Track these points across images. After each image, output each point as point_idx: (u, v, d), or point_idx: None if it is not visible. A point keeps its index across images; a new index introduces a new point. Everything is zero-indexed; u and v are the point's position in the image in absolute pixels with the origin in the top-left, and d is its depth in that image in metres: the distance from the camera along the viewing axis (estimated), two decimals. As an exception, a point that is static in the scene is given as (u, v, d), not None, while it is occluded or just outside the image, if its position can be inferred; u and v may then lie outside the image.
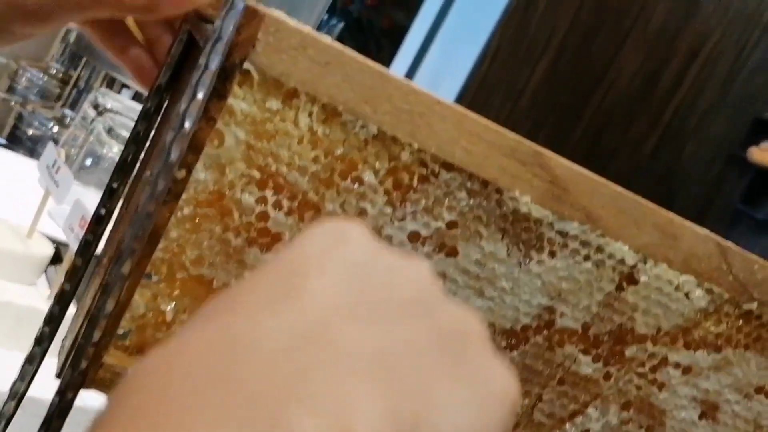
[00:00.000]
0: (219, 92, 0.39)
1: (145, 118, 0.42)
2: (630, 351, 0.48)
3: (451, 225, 0.44)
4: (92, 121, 0.99)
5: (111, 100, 1.03)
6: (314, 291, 0.25)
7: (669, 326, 0.48)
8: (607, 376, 0.48)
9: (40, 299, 0.75)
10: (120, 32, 0.44)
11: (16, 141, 1.38)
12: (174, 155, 0.35)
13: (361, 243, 0.28)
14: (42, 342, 0.43)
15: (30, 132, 1.31)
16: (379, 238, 0.30)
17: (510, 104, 3.28)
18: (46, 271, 0.81)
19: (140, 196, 0.37)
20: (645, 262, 0.46)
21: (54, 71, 1.48)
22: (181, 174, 0.39)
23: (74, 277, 0.43)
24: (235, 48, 0.38)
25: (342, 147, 0.41)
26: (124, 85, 1.31)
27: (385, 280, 0.27)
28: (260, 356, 0.23)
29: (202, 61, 0.35)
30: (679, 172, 3.60)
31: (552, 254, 0.45)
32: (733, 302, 0.49)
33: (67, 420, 0.39)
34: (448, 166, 0.43)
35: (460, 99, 3.32)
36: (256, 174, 0.40)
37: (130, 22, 0.46)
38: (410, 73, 3.42)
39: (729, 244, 0.49)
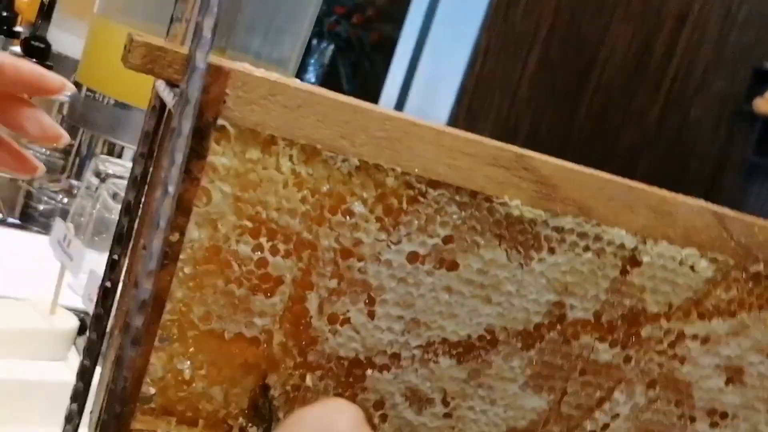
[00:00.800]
0: (198, 152, 0.40)
1: (133, 187, 0.44)
2: (645, 331, 0.48)
3: (447, 240, 0.44)
4: (96, 189, 1.01)
5: (112, 165, 1.04)
6: None
7: (680, 301, 0.48)
8: (627, 360, 0.48)
9: (72, 373, 0.76)
10: None
11: (29, 218, 1.40)
12: (163, 222, 0.36)
13: None
14: (72, 419, 0.45)
15: (41, 208, 1.34)
16: (366, 426, 0.31)
17: (509, 98, 3.28)
18: (75, 343, 0.83)
19: (138, 266, 0.38)
20: (645, 243, 0.47)
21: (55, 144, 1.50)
22: (174, 237, 0.40)
23: (91, 352, 0.44)
24: (206, 107, 0.39)
25: (327, 183, 0.42)
26: (124, 147, 1.33)
27: None
28: None
29: (174, 126, 0.36)
30: (688, 135, 3.59)
31: (551, 251, 0.46)
32: (739, 267, 0.49)
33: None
34: (435, 184, 0.44)
35: (460, 100, 3.33)
36: (248, 223, 0.41)
37: None
38: (406, 83, 3.43)
39: (725, 210, 0.49)
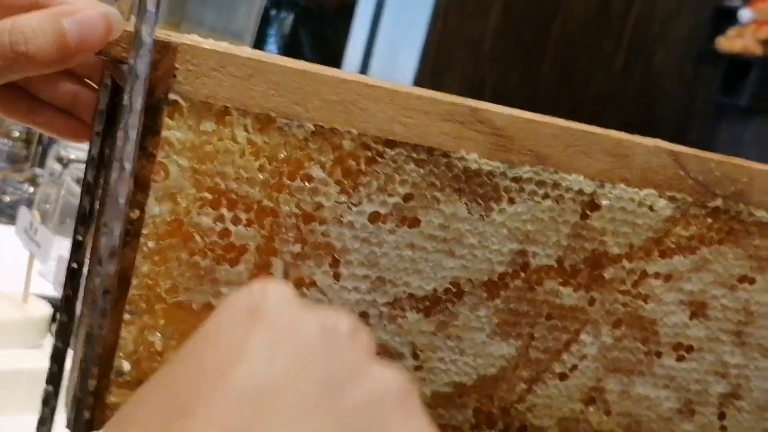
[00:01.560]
0: (152, 128, 0.40)
1: (91, 167, 0.44)
2: (608, 273, 0.49)
3: (407, 198, 0.45)
4: (60, 175, 1.01)
5: (74, 150, 1.04)
6: (203, 418, 0.26)
7: (641, 241, 0.49)
8: (592, 302, 0.49)
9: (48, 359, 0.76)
10: (23, 97, 0.45)
11: (-5, 210, 1.40)
12: (122, 199, 0.36)
13: (265, 336, 0.29)
14: (49, 402, 0.45)
15: (7, 199, 1.33)
16: (297, 298, 0.32)
17: (473, 54, 3.28)
18: (50, 330, 0.83)
19: (100, 244, 0.38)
20: (603, 187, 0.48)
21: (17, 134, 1.49)
22: (135, 214, 0.40)
23: (63, 333, 0.44)
24: (156, 83, 0.39)
25: (284, 150, 0.43)
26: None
27: (286, 382, 0.28)
28: None
29: (125, 102, 0.36)
30: (654, 80, 3.60)
31: (511, 201, 0.46)
32: (697, 204, 0.50)
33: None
34: (392, 143, 0.44)
35: (424, 60, 3.32)
36: (208, 195, 0.42)
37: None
38: (368, 47, 3.42)
39: (681, 149, 0.50)
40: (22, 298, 0.81)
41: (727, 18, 3.55)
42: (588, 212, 0.48)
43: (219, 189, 0.42)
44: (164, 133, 0.40)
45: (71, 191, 0.98)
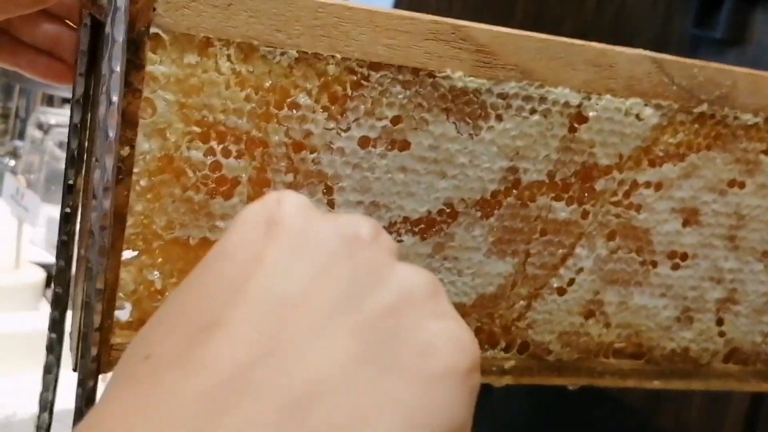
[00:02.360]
0: (135, 63, 0.39)
1: (77, 109, 0.43)
2: (599, 185, 0.49)
3: (395, 120, 0.45)
4: (42, 141, 1.00)
5: (53, 116, 1.03)
6: (220, 345, 0.26)
7: (629, 151, 0.49)
8: (585, 215, 0.49)
9: (45, 321, 0.77)
10: (5, 39, 0.44)
11: (-20, 186, 1.39)
12: (111, 133, 0.36)
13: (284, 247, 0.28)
14: (53, 349, 0.45)
15: (-10, 173, 1.32)
16: (314, 207, 0.31)
17: (446, 2, 3.26)
18: (45, 294, 0.83)
19: (94, 182, 0.38)
20: (589, 99, 0.48)
21: (-6, 109, 1.48)
22: (125, 151, 0.40)
23: (62, 278, 0.44)
24: (137, 17, 0.39)
25: (269, 79, 0.42)
26: (64, 100, 1.32)
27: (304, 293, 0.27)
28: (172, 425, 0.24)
29: (107, 35, 0.36)
30: (628, 18, 3.59)
31: (499, 118, 0.46)
32: (683, 110, 0.50)
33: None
34: (376, 66, 0.44)
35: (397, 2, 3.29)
36: (196, 129, 0.42)
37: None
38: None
39: (663, 56, 0.50)
40: (14, 264, 0.81)
41: (696, -50, 3.53)
42: (576, 125, 0.48)
43: (207, 122, 0.42)
44: (148, 67, 0.40)
45: (54, 156, 0.97)
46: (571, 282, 0.50)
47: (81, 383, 0.38)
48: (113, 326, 0.42)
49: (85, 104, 0.43)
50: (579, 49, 0.47)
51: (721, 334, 0.55)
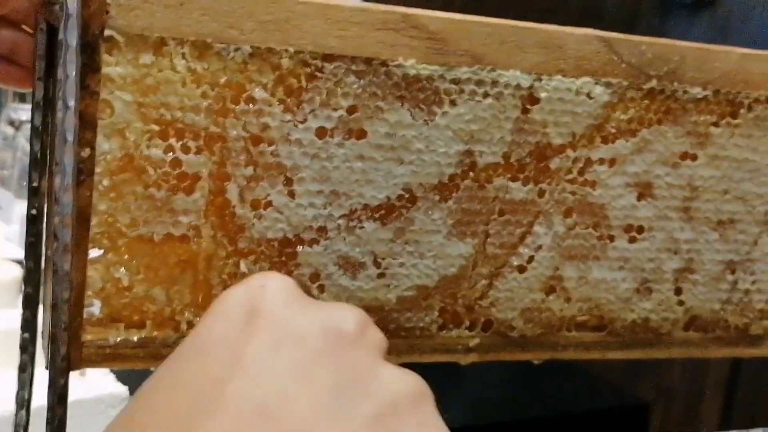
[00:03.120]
0: (91, 66, 0.40)
1: (37, 112, 0.44)
2: (554, 163, 0.50)
3: (351, 110, 0.46)
4: (14, 138, 1.00)
5: (25, 112, 1.03)
6: None
7: (582, 129, 0.51)
8: (541, 193, 0.51)
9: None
10: None
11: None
12: (70, 136, 0.37)
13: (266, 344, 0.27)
14: (27, 349, 0.46)
15: (-37, 171, 1.32)
16: (300, 295, 0.30)
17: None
18: (23, 291, 0.84)
19: (56, 185, 0.39)
20: (540, 80, 0.49)
21: (-36, 106, 1.48)
22: (86, 153, 0.41)
23: (32, 278, 0.45)
24: (90, 20, 0.40)
25: (224, 75, 0.43)
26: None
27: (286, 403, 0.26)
28: None
29: (61, 41, 0.37)
30: (596, -15, 3.60)
31: (452, 103, 0.48)
32: (633, 86, 0.51)
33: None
34: (329, 58, 0.45)
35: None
36: (155, 127, 0.42)
37: None
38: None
39: (611, 34, 0.51)
40: (-12, 262, 0.82)
41: None
42: (528, 106, 0.49)
43: (165, 120, 0.43)
44: (104, 69, 0.41)
45: (27, 152, 0.98)
46: (531, 259, 0.52)
47: (52, 381, 0.39)
48: (83, 323, 0.43)
49: (46, 107, 0.44)
50: (528, 32, 0.48)
51: (680, 303, 0.56)
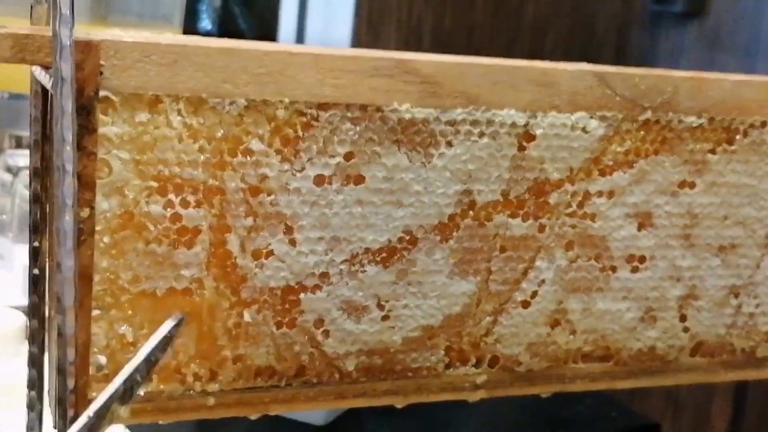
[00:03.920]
0: (87, 127, 0.41)
1: (36, 175, 0.44)
2: (553, 198, 0.51)
3: (348, 156, 0.46)
4: (12, 184, 1.01)
5: (22, 158, 1.04)
6: None
7: (579, 163, 0.51)
8: (542, 228, 0.51)
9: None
10: None
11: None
12: (68, 200, 0.37)
13: None
14: (34, 407, 0.46)
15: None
16: None
17: (407, 0, 3.26)
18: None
19: (57, 247, 0.39)
20: (536, 117, 0.49)
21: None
22: (85, 213, 0.41)
23: (37, 339, 0.45)
24: (85, 82, 0.40)
25: (221, 128, 0.43)
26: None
27: None
28: None
29: (56, 107, 0.37)
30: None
31: (449, 144, 0.48)
32: (628, 119, 0.51)
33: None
34: (325, 106, 0.45)
35: (359, 13, 3.30)
36: (154, 183, 0.43)
37: None
38: (301, 8, 3.39)
39: (604, 68, 0.51)
40: (-9, 310, 0.82)
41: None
42: (524, 143, 0.49)
43: (163, 176, 0.43)
44: (101, 129, 0.41)
45: (25, 198, 0.98)
46: (534, 294, 0.52)
47: (60, 443, 0.39)
48: (89, 381, 0.43)
49: (43, 171, 0.44)
50: (521, 71, 0.49)
51: (686, 329, 0.56)
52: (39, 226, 0.45)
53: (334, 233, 0.47)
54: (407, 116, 0.47)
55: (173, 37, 0.44)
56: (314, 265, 0.47)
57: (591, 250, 0.53)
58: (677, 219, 0.54)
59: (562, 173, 0.51)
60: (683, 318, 0.56)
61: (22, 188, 0.98)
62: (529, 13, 3.51)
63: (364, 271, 0.48)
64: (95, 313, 0.43)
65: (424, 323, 0.50)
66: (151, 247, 0.43)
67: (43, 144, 0.44)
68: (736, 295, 0.57)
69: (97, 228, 0.42)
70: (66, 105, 0.37)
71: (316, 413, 0.91)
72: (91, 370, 0.44)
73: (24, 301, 0.90)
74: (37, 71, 0.42)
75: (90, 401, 0.43)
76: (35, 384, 0.46)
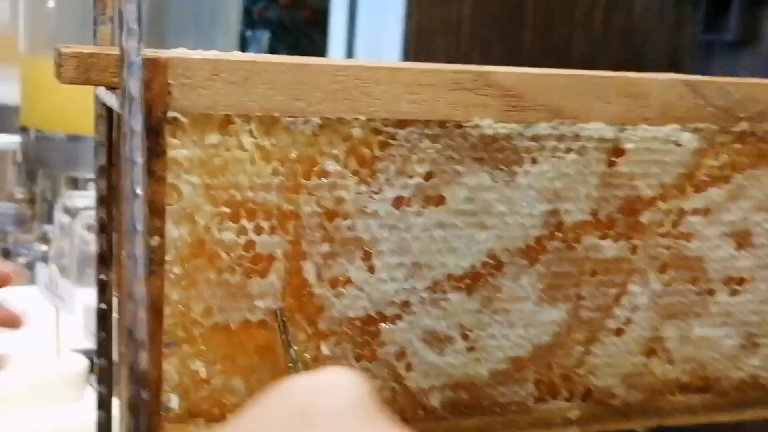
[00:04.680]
0: (156, 151, 0.38)
1: (102, 204, 0.42)
2: (645, 217, 0.47)
3: (428, 176, 0.43)
4: (71, 226, 1.00)
5: (80, 198, 1.03)
6: None
7: (672, 179, 0.47)
8: (634, 250, 0.47)
9: (89, 411, 0.76)
10: None
11: (13, 275, 1.38)
12: (139, 225, 0.35)
13: None
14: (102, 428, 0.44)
15: (22, 261, 1.32)
16: (372, 406, 0.27)
17: (453, 38, 3.26)
18: (89, 381, 0.82)
19: (126, 277, 0.36)
20: (624, 130, 0.46)
21: (20, 195, 1.49)
22: (155, 241, 0.39)
23: (104, 377, 0.43)
24: (153, 103, 0.38)
25: (294, 149, 0.41)
26: (88, 180, 1.32)
27: None
28: None
29: (125, 127, 0.35)
30: (636, 30, 3.58)
31: (534, 161, 0.45)
32: (723, 131, 0.48)
33: None
34: (402, 123, 0.43)
35: (405, 54, 3.30)
36: (226, 209, 0.40)
37: None
38: (348, 50, 3.40)
39: (696, 77, 0.48)
40: (56, 354, 0.80)
41: (699, -44, 3.51)
42: (614, 159, 0.46)
43: (235, 201, 0.40)
44: (170, 153, 0.39)
45: (84, 240, 0.97)
46: (628, 321, 0.48)
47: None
48: (161, 421, 0.41)
49: (109, 198, 0.42)
50: (608, 80, 0.46)
51: (790, 356, 0.52)
52: (105, 257, 0.42)
53: (414, 259, 0.44)
54: (489, 132, 0.44)
55: (242, 54, 0.42)
56: (394, 293, 0.44)
57: (687, 273, 0.49)
58: (778, 237, 0.50)
59: (654, 190, 0.47)
60: (787, 344, 0.52)
61: (81, 229, 0.97)
62: (576, 46, 3.48)
63: (447, 298, 0.45)
64: (165, 349, 0.40)
65: (512, 354, 0.46)
66: (223, 277, 0.41)
67: (108, 170, 0.42)
68: (843, 319, 0.53)
69: (167, 257, 0.40)
70: (135, 124, 0.35)
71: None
72: (162, 410, 0.41)
73: (86, 344, 0.88)
74: (102, 92, 0.40)
75: (162, 443, 0.40)
76: (102, 426, 0.44)
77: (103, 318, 0.43)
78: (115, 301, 0.43)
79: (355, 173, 0.42)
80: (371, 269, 0.43)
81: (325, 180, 0.42)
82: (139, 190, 0.35)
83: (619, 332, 0.48)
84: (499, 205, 0.45)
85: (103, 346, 0.43)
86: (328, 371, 0.27)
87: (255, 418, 0.26)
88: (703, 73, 0.48)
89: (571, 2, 3.43)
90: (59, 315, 0.82)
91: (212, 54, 0.40)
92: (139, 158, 0.35)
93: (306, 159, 0.41)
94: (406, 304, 0.44)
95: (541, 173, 0.45)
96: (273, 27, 3.94)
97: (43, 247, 1.36)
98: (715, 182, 0.48)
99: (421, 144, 0.43)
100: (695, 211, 0.48)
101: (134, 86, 0.35)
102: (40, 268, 0.86)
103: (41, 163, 1.32)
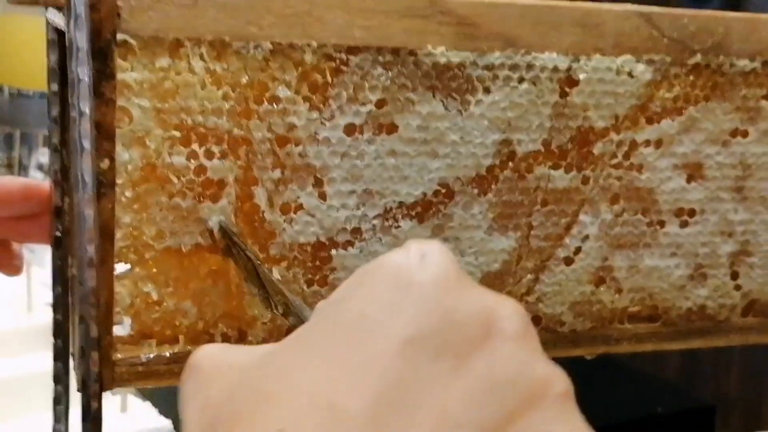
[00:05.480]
0: (105, 73, 0.38)
1: (55, 129, 0.42)
2: (597, 148, 0.48)
3: (380, 104, 0.44)
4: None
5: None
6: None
7: (625, 110, 0.48)
8: (585, 180, 0.48)
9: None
10: None
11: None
12: (86, 143, 0.35)
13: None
14: (60, 401, 0.44)
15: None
16: (460, 274, 0.27)
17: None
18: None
19: (76, 195, 0.37)
20: (578, 61, 0.46)
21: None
22: (105, 164, 0.39)
23: (59, 332, 0.44)
24: (101, 24, 0.38)
25: (245, 74, 0.41)
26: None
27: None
28: None
29: (70, 44, 0.35)
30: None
31: (487, 90, 0.45)
32: (677, 63, 0.48)
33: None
34: (354, 50, 0.43)
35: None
36: (176, 133, 0.40)
37: None
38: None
39: (652, 9, 0.48)
40: (26, 307, 0.81)
41: None
42: (567, 89, 0.47)
43: (186, 125, 0.41)
44: (119, 75, 0.39)
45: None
46: (578, 250, 0.49)
47: (86, 406, 0.37)
48: (113, 342, 0.41)
49: (63, 121, 0.42)
50: (563, 10, 0.46)
51: (737, 287, 0.53)
52: (61, 210, 0.43)
53: (366, 186, 0.44)
54: (442, 60, 0.44)
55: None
56: (345, 220, 0.44)
57: (638, 204, 0.50)
58: (729, 170, 0.51)
59: (606, 121, 0.48)
60: (735, 275, 0.53)
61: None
62: None
63: (398, 226, 0.45)
64: (118, 270, 0.41)
65: (463, 281, 0.47)
66: (175, 201, 0.41)
67: (61, 93, 0.42)
68: (791, 251, 0.54)
69: (118, 180, 0.40)
70: (80, 41, 0.35)
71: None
72: (115, 332, 0.42)
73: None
74: (51, 14, 0.40)
75: (114, 363, 0.41)
76: (61, 377, 0.44)
77: (59, 273, 0.43)
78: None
79: (306, 99, 0.42)
80: (322, 196, 0.44)
81: (276, 106, 0.42)
82: (85, 108, 0.35)
83: (568, 261, 0.49)
84: (452, 134, 0.45)
85: (59, 301, 0.44)
86: (415, 244, 0.27)
87: (363, 298, 0.26)
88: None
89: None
90: (31, 268, 0.83)
91: (162, -23, 0.40)
92: (85, 75, 0.35)
93: (257, 84, 0.41)
94: (357, 231, 0.45)
95: (494, 103, 0.45)
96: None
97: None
98: (668, 114, 0.49)
99: (373, 71, 0.43)
100: (647, 143, 0.49)
101: (79, 3, 0.35)
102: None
103: (11, 122, 1.31)
